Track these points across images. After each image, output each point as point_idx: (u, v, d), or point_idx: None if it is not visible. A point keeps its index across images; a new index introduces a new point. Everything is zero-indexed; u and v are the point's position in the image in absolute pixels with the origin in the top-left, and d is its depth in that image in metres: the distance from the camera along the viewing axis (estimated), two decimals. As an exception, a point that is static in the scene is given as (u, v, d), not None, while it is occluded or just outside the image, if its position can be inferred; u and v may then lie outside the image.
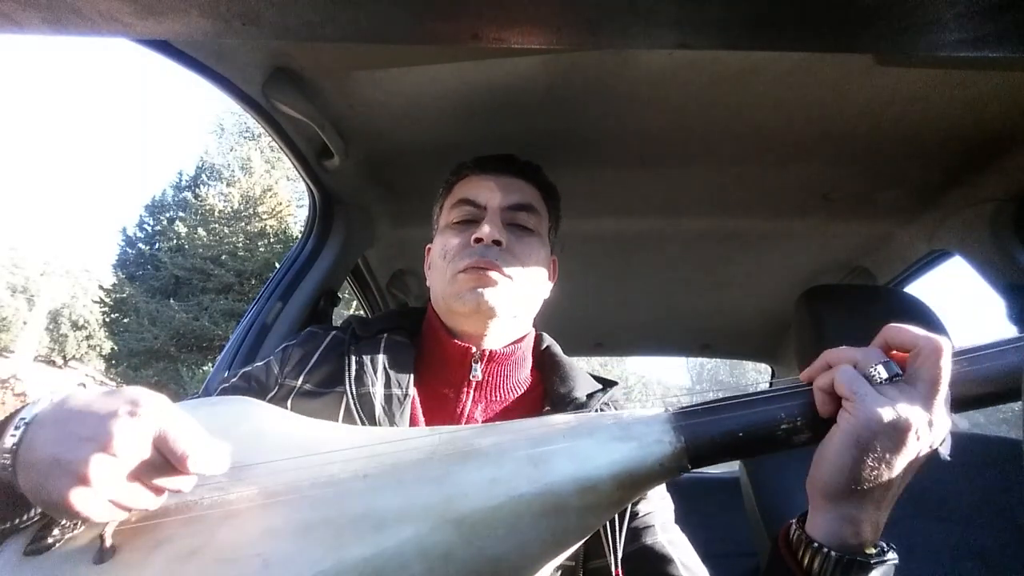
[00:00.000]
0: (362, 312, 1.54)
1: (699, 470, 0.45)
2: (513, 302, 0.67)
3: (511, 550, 0.41)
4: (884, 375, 0.40)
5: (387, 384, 0.63)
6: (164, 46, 0.72)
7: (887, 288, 1.31)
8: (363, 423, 0.59)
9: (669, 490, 0.67)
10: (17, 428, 0.39)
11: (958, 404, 0.41)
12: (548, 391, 0.69)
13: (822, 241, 1.30)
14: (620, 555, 0.56)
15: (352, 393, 0.62)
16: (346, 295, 1.64)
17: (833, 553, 0.40)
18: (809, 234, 1.27)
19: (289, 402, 0.62)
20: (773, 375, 2.07)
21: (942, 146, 0.94)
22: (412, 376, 0.65)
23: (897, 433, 0.38)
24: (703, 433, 0.42)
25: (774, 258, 1.38)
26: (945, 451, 0.41)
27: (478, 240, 0.67)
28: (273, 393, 0.64)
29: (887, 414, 0.38)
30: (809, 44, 0.41)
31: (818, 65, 0.78)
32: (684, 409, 0.44)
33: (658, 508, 0.64)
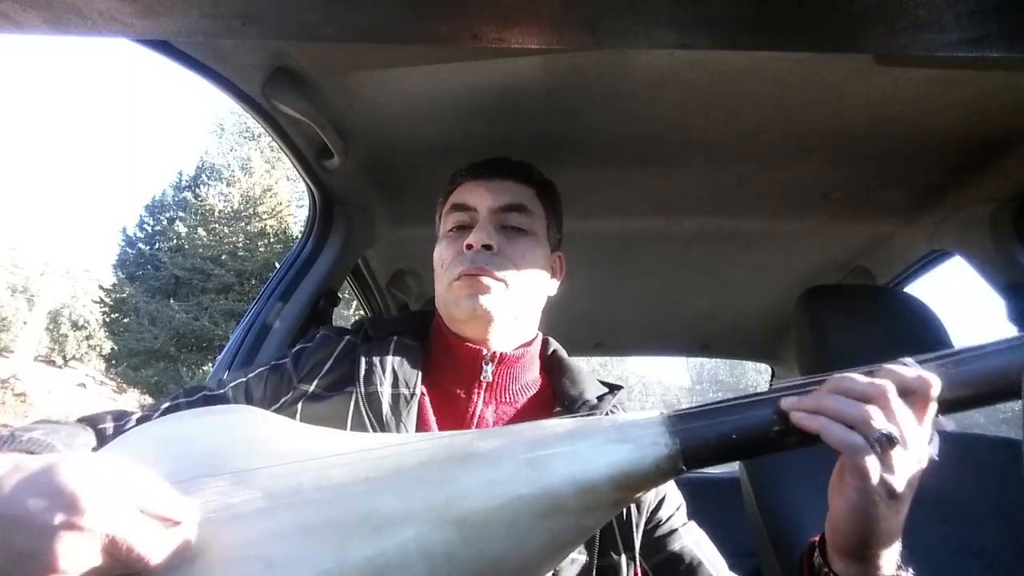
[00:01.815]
0: (362, 312, 1.54)
1: (699, 470, 0.46)
2: (510, 304, 0.68)
3: (511, 551, 0.42)
4: (886, 446, 0.41)
5: (395, 384, 0.64)
6: (164, 46, 0.72)
7: (887, 288, 1.31)
8: (370, 422, 0.60)
9: None
10: None
11: (946, 406, 0.43)
12: (558, 393, 0.69)
13: (822, 241, 1.30)
14: (637, 549, 0.58)
15: (361, 392, 0.62)
16: (346, 295, 1.64)
17: None
18: (809, 234, 1.27)
19: (300, 405, 0.63)
20: (773, 375, 2.07)
21: (942, 146, 0.94)
22: (420, 376, 0.66)
23: (898, 490, 0.41)
24: (697, 436, 0.43)
25: (774, 258, 1.38)
26: (935, 452, 0.43)
27: (469, 247, 0.68)
28: (287, 397, 0.65)
29: (891, 481, 0.41)
30: (809, 44, 0.41)
31: (818, 65, 0.78)
32: (679, 412, 0.45)
33: (678, 511, 0.66)
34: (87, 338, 18.56)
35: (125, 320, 14.51)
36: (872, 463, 0.40)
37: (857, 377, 0.43)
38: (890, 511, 0.42)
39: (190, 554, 0.41)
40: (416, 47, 0.77)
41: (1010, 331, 0.93)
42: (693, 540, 0.63)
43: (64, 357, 18.47)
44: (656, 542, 0.63)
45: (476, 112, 0.91)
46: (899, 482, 0.41)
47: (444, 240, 0.74)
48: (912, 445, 0.42)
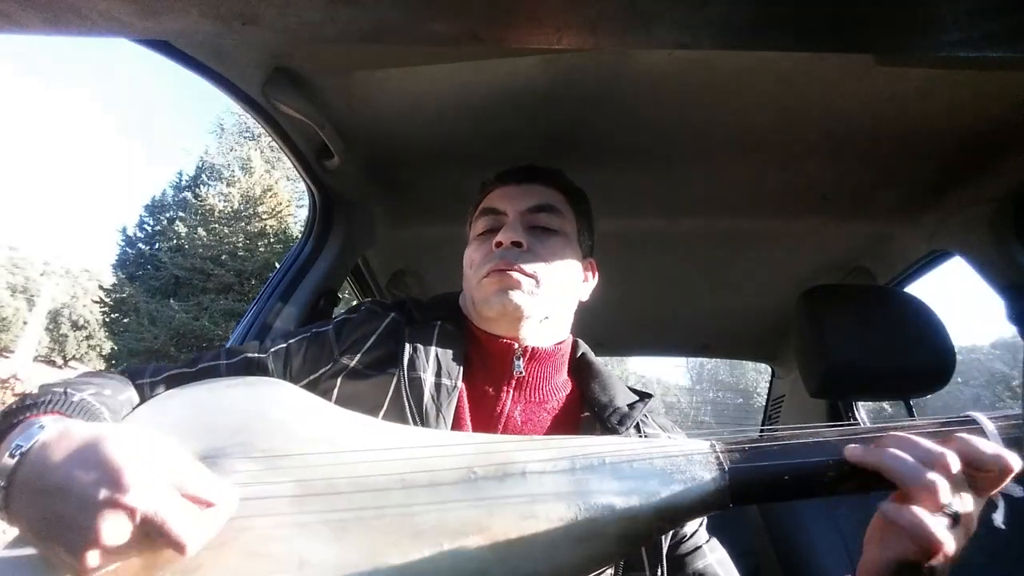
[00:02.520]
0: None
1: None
2: (541, 302, 0.67)
3: (545, 572, 0.41)
4: (948, 520, 0.40)
5: (438, 372, 0.63)
6: (164, 46, 0.72)
7: (887, 288, 1.30)
8: (410, 408, 0.59)
9: None
10: (12, 455, 0.39)
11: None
12: (587, 397, 0.68)
13: (822, 241, 1.30)
14: (665, 567, 0.57)
15: (404, 377, 0.61)
16: (346, 295, 1.64)
17: None
18: (809, 234, 1.27)
19: (339, 380, 0.63)
20: (773, 375, 2.07)
21: (942, 146, 0.94)
22: (462, 369, 0.65)
23: (948, 558, 0.40)
24: (749, 474, 0.42)
25: (774, 258, 1.38)
26: (1000, 520, 0.41)
27: (499, 244, 0.67)
28: (326, 368, 0.64)
29: (948, 547, 0.39)
30: (809, 44, 0.41)
31: (818, 65, 0.78)
32: (731, 447, 0.44)
33: (701, 526, 0.65)
34: (87, 338, 18.57)
35: (125, 320, 14.51)
36: (943, 538, 0.39)
37: (922, 441, 0.41)
38: (933, 573, 0.41)
39: (223, 542, 0.41)
40: (416, 47, 0.77)
41: (1010, 331, 0.92)
42: (717, 559, 0.62)
43: (64, 357, 18.47)
44: (679, 559, 0.62)
45: (476, 112, 0.91)
46: (951, 551, 0.40)
47: (473, 243, 0.73)
48: (970, 519, 0.41)
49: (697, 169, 1.06)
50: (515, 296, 0.65)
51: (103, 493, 0.37)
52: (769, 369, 2.10)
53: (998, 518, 0.41)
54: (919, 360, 0.91)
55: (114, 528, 0.37)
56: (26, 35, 0.38)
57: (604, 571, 0.56)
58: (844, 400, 1.38)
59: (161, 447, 0.42)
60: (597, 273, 0.82)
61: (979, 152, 0.94)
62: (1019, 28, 0.35)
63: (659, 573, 0.57)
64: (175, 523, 0.38)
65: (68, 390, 0.49)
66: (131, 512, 0.37)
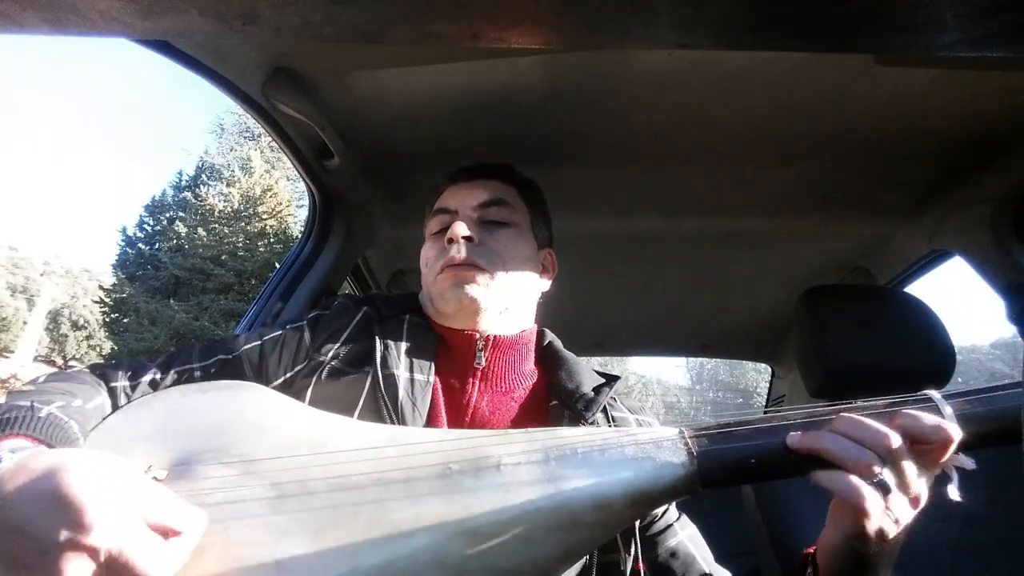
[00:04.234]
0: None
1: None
2: (497, 294, 0.68)
3: (523, 562, 0.42)
4: (878, 493, 0.42)
5: (411, 368, 0.64)
6: (164, 46, 0.72)
7: (887, 288, 1.31)
8: (386, 405, 0.59)
9: None
10: None
11: (969, 446, 0.43)
12: (554, 385, 0.69)
13: (822, 241, 1.30)
14: (639, 551, 0.58)
15: (378, 374, 0.62)
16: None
17: None
18: (809, 234, 1.27)
19: (314, 378, 0.63)
20: (773, 375, 2.07)
21: (942, 146, 0.94)
22: (434, 363, 0.65)
23: (889, 535, 0.42)
24: (717, 458, 0.43)
25: (774, 258, 1.38)
26: (955, 494, 0.43)
27: (451, 241, 0.68)
28: (302, 366, 0.65)
29: (883, 526, 0.42)
30: (809, 44, 0.41)
31: (818, 65, 0.78)
32: (699, 432, 0.45)
33: (672, 505, 0.66)
34: (87, 338, 18.57)
35: (125, 320, 14.51)
36: (873, 505, 0.41)
37: (865, 422, 0.43)
38: (882, 549, 0.43)
39: (199, 550, 0.41)
40: (416, 47, 0.77)
41: (1010, 330, 0.92)
42: (688, 536, 0.64)
43: (64, 357, 18.47)
44: (652, 539, 0.63)
45: (476, 112, 0.91)
46: (891, 526, 0.42)
47: (428, 242, 0.74)
48: (911, 491, 0.42)
49: (697, 169, 1.06)
50: (470, 290, 0.66)
51: (64, 534, 0.36)
52: (769, 369, 2.10)
53: (952, 490, 0.42)
54: (919, 360, 0.90)
55: (77, 570, 0.36)
56: (26, 35, 0.38)
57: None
58: (844, 400, 1.37)
59: (124, 474, 0.40)
60: (556, 263, 0.82)
61: (979, 152, 0.94)
62: (1019, 28, 0.35)
63: (633, 553, 0.57)
64: (141, 559, 0.37)
65: (35, 403, 0.47)
66: (95, 552, 0.36)
